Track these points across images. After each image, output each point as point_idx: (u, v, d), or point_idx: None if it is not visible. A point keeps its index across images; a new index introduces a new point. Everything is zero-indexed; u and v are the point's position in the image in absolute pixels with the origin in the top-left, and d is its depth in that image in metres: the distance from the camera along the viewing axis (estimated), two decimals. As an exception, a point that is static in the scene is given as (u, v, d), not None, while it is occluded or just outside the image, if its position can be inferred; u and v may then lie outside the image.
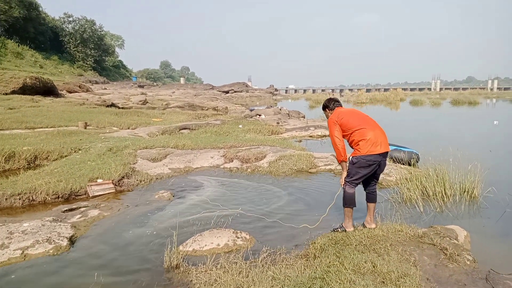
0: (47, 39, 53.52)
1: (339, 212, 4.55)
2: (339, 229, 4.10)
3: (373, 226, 4.12)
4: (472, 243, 4.00)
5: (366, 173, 3.96)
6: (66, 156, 7.98)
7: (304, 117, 19.62)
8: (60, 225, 4.41)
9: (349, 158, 4.05)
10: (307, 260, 3.48)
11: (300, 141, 12.06)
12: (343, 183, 4.07)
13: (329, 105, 4.32)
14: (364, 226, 4.15)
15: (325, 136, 12.67)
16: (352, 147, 4.06)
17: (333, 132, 4.06)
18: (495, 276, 3.11)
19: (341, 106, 4.34)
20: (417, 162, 7.67)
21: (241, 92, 50.84)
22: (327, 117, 4.33)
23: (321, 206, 5.11)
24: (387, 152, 4.00)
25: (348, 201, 4.02)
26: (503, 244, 4.28)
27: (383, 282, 2.90)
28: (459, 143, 9.49)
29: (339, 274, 2.99)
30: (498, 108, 31.37)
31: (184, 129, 13.33)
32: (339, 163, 4.16)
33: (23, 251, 3.76)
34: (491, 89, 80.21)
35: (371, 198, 4.20)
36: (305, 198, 5.68)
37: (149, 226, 4.58)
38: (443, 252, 3.51)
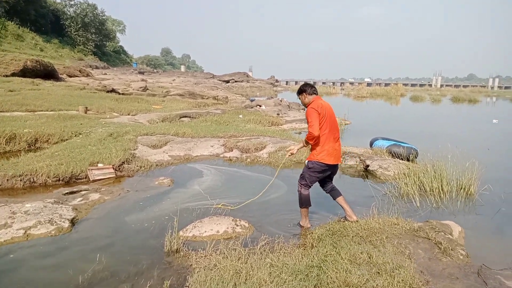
0: (48, 22, 52.86)
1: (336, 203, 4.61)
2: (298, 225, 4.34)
3: (354, 218, 4.21)
4: (466, 238, 4.09)
5: (320, 177, 4.20)
6: (66, 139, 8.01)
7: (304, 109, 19.64)
8: (61, 207, 4.47)
9: (305, 162, 4.25)
10: (304, 249, 3.56)
11: (300, 133, 12.10)
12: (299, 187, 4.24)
13: (307, 89, 4.25)
14: (347, 219, 4.25)
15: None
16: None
17: (316, 120, 3.97)
18: (486, 271, 3.19)
19: (317, 94, 4.29)
20: (416, 157, 7.73)
21: (241, 82, 50.61)
22: (303, 101, 4.32)
23: (319, 197, 5.18)
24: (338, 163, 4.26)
25: (304, 202, 4.23)
26: (497, 241, 4.36)
27: (378, 273, 2.97)
28: (457, 140, 9.57)
29: (336, 263, 3.07)
30: (498, 107, 31.40)
31: (185, 117, 13.34)
32: (305, 142, 4.18)
33: (25, 231, 3.82)
34: (492, 88, 80.00)
35: (335, 194, 4.34)
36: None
37: (149, 211, 4.64)
38: (438, 246, 3.59)
